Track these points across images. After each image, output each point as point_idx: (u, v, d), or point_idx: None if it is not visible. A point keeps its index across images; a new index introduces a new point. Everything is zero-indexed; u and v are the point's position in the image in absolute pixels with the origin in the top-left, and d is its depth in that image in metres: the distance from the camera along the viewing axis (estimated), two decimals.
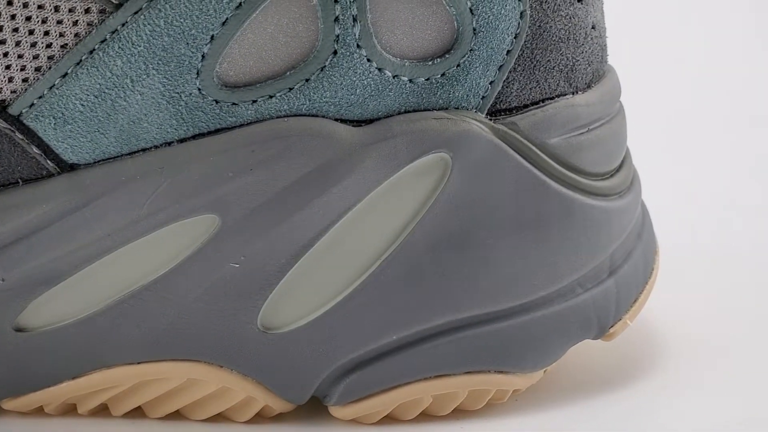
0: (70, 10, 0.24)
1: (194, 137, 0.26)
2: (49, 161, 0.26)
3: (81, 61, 0.25)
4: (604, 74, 0.30)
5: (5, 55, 0.24)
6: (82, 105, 0.25)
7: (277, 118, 0.26)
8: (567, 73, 0.28)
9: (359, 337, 0.27)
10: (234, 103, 0.25)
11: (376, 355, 0.27)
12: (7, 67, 0.25)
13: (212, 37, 0.25)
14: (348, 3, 0.25)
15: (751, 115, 0.51)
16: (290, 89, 0.25)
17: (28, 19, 0.24)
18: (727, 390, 0.30)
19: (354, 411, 0.28)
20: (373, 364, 0.27)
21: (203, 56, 0.25)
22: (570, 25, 0.28)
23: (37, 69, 0.25)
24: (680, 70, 0.55)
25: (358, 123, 0.26)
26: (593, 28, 0.29)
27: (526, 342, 0.28)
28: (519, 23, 0.27)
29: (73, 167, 0.26)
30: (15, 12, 0.24)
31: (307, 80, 0.26)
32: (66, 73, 0.25)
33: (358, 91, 0.26)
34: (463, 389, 0.28)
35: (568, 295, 0.29)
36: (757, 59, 0.56)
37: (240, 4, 0.25)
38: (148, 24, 0.24)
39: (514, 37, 0.27)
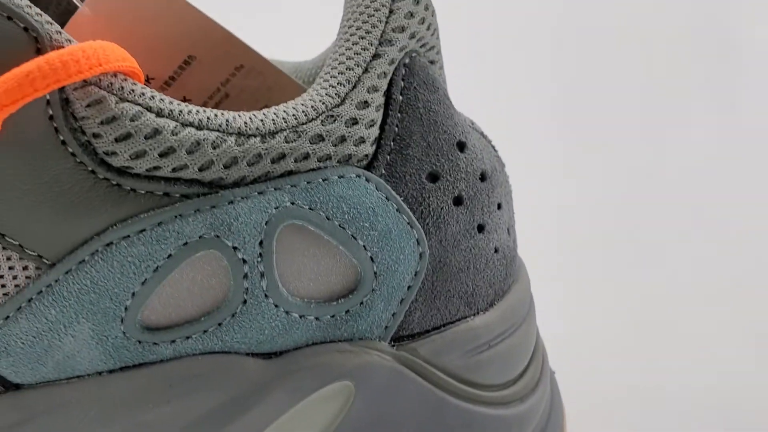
0: (10, 268, 0.28)
1: (121, 369, 0.29)
2: None
3: (21, 307, 0.28)
4: (508, 288, 0.33)
5: None
6: (23, 342, 0.28)
7: (193, 356, 0.29)
8: (467, 299, 0.31)
9: None
10: (155, 343, 0.29)
11: None
12: None
13: (133, 294, 0.28)
14: (255, 263, 0.28)
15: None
16: (205, 332, 0.29)
17: None
18: None
19: None
20: None
21: (126, 308, 0.28)
22: (470, 255, 0.31)
23: None
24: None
25: (267, 355, 0.30)
26: (496, 251, 0.32)
27: None
28: (418, 263, 0.30)
29: (18, 386, 0.29)
30: None
31: (219, 324, 0.29)
32: (8, 316, 0.28)
33: (266, 331, 0.29)
34: None
35: None
36: None
37: (157, 268, 0.28)
38: (77, 282, 0.28)
39: (414, 275, 0.30)
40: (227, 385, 0.29)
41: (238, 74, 0.33)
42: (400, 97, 0.30)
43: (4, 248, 0.27)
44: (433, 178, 0.30)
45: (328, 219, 0.28)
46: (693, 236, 0.52)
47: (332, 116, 0.28)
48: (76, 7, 0.31)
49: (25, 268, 0.28)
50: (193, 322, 0.29)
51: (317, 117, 0.28)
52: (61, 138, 0.26)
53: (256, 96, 0.34)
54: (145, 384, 0.29)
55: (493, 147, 0.33)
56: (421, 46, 0.30)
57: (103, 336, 0.28)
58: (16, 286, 0.28)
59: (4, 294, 0.28)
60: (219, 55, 0.32)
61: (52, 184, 0.27)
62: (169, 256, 0.28)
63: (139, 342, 0.29)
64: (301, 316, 0.29)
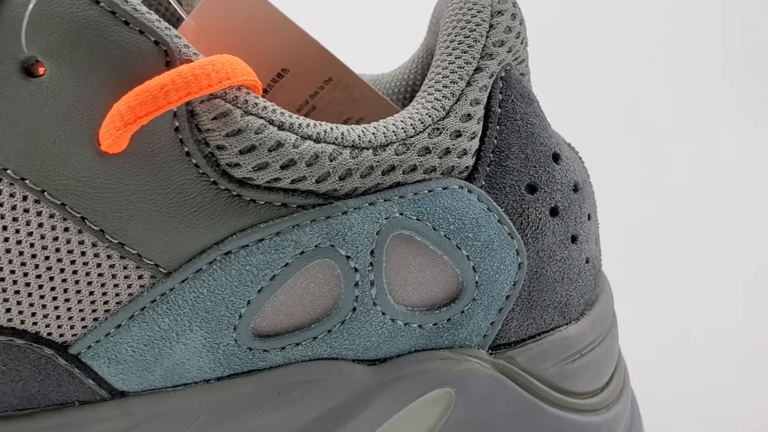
0: (125, 277, 0.28)
1: (229, 376, 0.29)
2: (102, 389, 0.29)
3: (133, 316, 0.28)
4: (596, 298, 0.33)
5: (69, 309, 0.28)
6: (133, 351, 0.29)
7: (302, 362, 0.29)
8: (561, 309, 0.32)
9: None
10: (265, 350, 0.29)
11: None
12: (70, 318, 0.29)
13: (249, 302, 0.28)
14: (366, 271, 0.29)
15: None
16: (314, 338, 0.29)
17: (89, 284, 0.28)
18: None
19: None
20: None
21: (240, 316, 0.29)
22: (564, 266, 0.32)
23: (96, 319, 0.29)
24: None
25: (372, 362, 0.30)
26: (587, 262, 0.33)
27: None
28: (517, 273, 0.31)
29: (123, 394, 0.30)
30: (79, 278, 0.28)
31: (329, 331, 0.29)
32: (120, 324, 0.29)
33: (373, 338, 0.30)
34: None
35: None
36: None
37: (274, 276, 0.28)
38: (194, 291, 0.28)
39: (513, 284, 0.31)
40: (335, 391, 0.30)
41: (326, 87, 0.34)
42: (499, 110, 0.30)
43: (122, 257, 0.28)
44: (532, 189, 0.31)
45: (434, 229, 0.29)
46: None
47: (438, 129, 0.29)
48: (179, 18, 0.32)
49: (140, 276, 0.28)
50: (303, 329, 0.29)
51: (424, 130, 0.29)
52: (186, 149, 0.27)
53: (341, 108, 0.34)
54: (254, 391, 0.29)
55: (580, 158, 0.33)
56: (514, 59, 0.31)
57: (214, 344, 0.29)
58: (130, 294, 0.28)
59: (117, 303, 0.28)
60: (311, 69, 0.33)
61: (174, 195, 0.27)
62: (286, 264, 0.28)
63: (250, 349, 0.29)
64: (405, 324, 0.30)
